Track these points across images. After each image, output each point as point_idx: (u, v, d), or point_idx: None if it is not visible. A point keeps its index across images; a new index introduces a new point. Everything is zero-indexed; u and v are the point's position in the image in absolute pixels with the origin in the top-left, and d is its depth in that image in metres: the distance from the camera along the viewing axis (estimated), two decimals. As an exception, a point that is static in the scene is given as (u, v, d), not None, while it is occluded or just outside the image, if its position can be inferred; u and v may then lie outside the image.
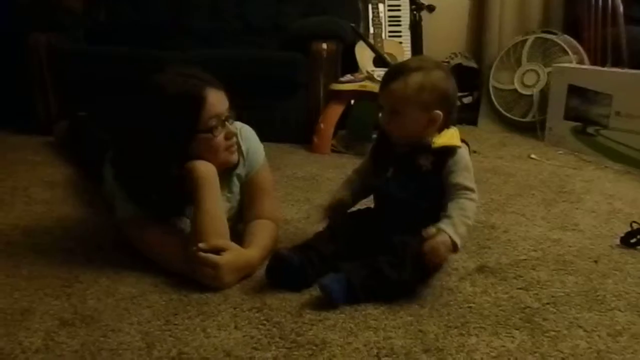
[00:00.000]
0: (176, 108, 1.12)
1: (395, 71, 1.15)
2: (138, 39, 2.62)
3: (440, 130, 1.15)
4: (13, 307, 1.04)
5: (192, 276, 1.11)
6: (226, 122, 1.19)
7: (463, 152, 1.15)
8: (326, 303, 1.03)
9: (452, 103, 1.17)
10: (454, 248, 1.06)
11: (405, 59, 1.23)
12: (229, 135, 1.20)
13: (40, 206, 1.61)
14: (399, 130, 1.15)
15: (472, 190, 1.12)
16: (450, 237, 1.05)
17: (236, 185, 1.31)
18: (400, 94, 1.12)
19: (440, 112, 1.12)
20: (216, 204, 1.17)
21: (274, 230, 1.28)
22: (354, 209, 1.27)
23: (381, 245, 1.12)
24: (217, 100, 1.15)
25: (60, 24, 2.57)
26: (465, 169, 1.13)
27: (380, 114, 1.18)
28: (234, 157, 1.24)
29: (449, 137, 1.16)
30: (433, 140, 1.14)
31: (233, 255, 1.12)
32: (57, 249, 1.31)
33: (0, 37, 2.61)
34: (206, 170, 1.17)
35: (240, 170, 1.29)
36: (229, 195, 1.30)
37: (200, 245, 1.10)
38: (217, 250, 1.11)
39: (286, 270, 1.09)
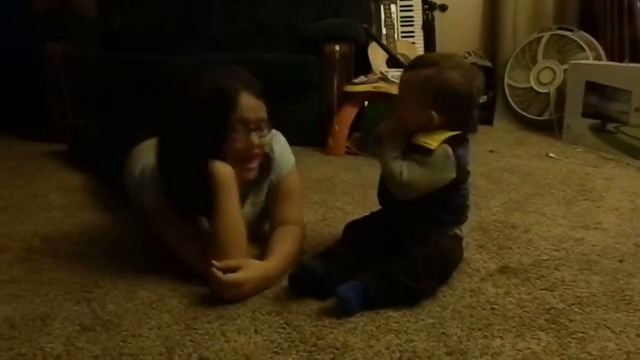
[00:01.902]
0: (206, 106, 1.11)
1: (415, 62, 1.14)
2: (152, 45, 2.65)
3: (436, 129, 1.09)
4: (34, 312, 1.05)
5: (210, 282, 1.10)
6: (253, 132, 1.14)
7: (437, 158, 1.06)
8: (342, 312, 1.01)
9: (459, 105, 1.08)
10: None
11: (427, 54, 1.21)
12: (250, 146, 1.14)
13: (58, 212, 1.62)
14: (402, 120, 1.11)
15: (406, 174, 1.05)
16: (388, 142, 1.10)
17: (264, 192, 1.29)
18: (406, 83, 1.11)
19: (437, 113, 1.07)
20: (233, 211, 1.13)
21: (297, 236, 1.25)
22: (366, 214, 1.26)
23: (394, 246, 1.11)
24: (246, 105, 1.13)
25: (75, 33, 2.60)
26: (426, 168, 1.06)
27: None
28: (251, 174, 1.19)
29: (429, 136, 1.08)
30: (415, 136, 1.09)
31: (251, 272, 1.08)
32: (76, 255, 1.31)
33: (17, 46, 2.66)
34: (224, 173, 1.13)
35: (271, 175, 1.28)
36: (255, 200, 1.28)
37: (216, 263, 1.06)
38: (234, 268, 1.07)
39: (310, 279, 1.07)
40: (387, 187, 1.13)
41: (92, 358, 0.90)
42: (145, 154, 1.43)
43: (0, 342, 0.95)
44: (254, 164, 1.19)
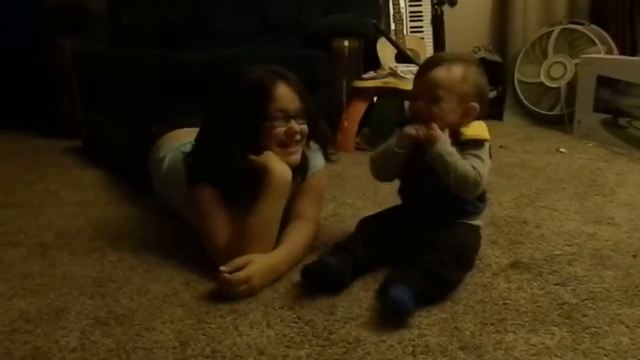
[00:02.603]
0: (246, 95, 1.18)
1: (435, 61, 1.15)
2: (161, 41, 2.66)
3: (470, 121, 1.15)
4: (49, 307, 1.06)
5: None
6: (292, 120, 1.19)
7: (488, 146, 1.14)
8: (399, 315, 0.97)
9: (486, 99, 1.17)
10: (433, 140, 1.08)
11: (438, 53, 1.21)
12: (290, 131, 1.19)
13: (71, 208, 1.64)
14: (437, 119, 1.11)
15: (479, 171, 1.08)
16: (443, 144, 1.07)
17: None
18: (444, 81, 1.11)
19: (477, 105, 1.12)
20: (276, 213, 1.18)
21: (309, 232, 1.25)
22: (377, 209, 1.27)
23: (412, 241, 1.11)
24: (285, 96, 1.18)
25: (85, 29, 2.61)
26: (485, 161, 1.11)
27: (408, 106, 1.17)
28: (294, 157, 1.22)
29: (478, 129, 1.14)
30: (461, 132, 1.12)
31: (257, 265, 1.10)
32: (89, 250, 1.32)
33: (27, 43, 2.68)
34: (282, 176, 1.17)
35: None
36: None
37: (223, 269, 1.07)
38: (241, 267, 1.09)
39: (325, 274, 1.07)
40: (415, 184, 1.16)
41: (106, 351, 0.91)
42: (171, 145, 1.50)
43: (16, 335, 0.96)
44: (296, 149, 1.23)
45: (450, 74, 1.11)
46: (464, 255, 1.10)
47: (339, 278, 1.07)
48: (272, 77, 1.19)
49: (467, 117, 1.14)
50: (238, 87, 1.22)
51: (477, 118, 1.15)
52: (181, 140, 1.51)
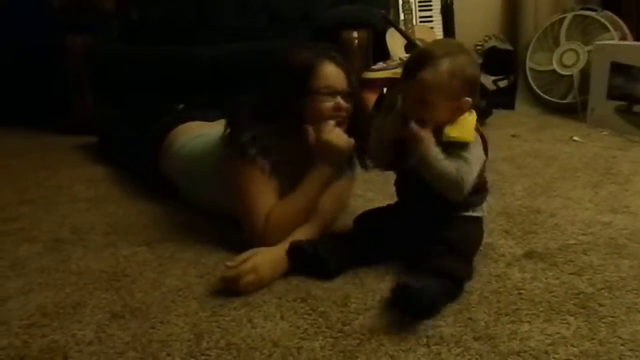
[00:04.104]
0: (294, 71, 1.22)
1: (421, 59, 1.06)
2: (169, 37, 2.66)
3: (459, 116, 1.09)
4: (65, 301, 1.07)
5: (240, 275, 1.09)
6: (339, 97, 1.22)
7: (473, 147, 1.07)
8: (424, 310, 0.94)
9: (478, 88, 1.12)
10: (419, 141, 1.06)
11: (426, 44, 1.16)
12: (337, 106, 1.21)
13: (84, 203, 1.65)
14: (428, 121, 1.07)
15: (462, 175, 1.03)
16: (426, 147, 1.05)
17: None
18: (431, 84, 1.04)
19: (470, 99, 1.07)
20: (311, 203, 1.22)
21: (317, 226, 1.24)
22: (387, 201, 1.25)
23: (412, 236, 1.11)
24: (330, 73, 1.22)
25: (94, 25, 2.62)
26: (470, 162, 1.05)
27: (401, 104, 1.11)
28: None
29: (463, 128, 1.08)
30: (445, 132, 1.07)
31: (261, 255, 1.10)
32: (103, 244, 1.34)
33: (38, 40, 2.69)
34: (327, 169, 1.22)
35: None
36: None
37: (228, 264, 1.08)
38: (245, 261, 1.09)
39: (301, 258, 1.10)
40: (409, 178, 1.13)
41: (122, 344, 0.92)
42: (187, 137, 1.54)
43: (34, 329, 0.98)
44: (340, 127, 1.23)
45: (438, 74, 1.04)
46: (471, 250, 1.09)
47: (319, 263, 1.09)
48: (320, 55, 1.23)
49: (461, 111, 1.08)
50: (287, 64, 1.25)
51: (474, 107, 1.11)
52: (194, 132, 1.53)
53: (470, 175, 1.05)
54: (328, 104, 1.21)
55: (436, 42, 1.28)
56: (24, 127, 2.79)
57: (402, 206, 1.19)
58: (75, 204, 1.66)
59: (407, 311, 0.95)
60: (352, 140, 1.22)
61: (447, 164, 1.04)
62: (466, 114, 1.09)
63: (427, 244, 1.06)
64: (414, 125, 1.06)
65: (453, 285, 1.00)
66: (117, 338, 0.94)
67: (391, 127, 1.13)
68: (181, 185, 1.55)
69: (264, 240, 1.16)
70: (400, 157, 1.15)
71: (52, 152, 2.31)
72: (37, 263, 1.25)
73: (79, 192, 1.77)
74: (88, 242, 1.36)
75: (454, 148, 1.06)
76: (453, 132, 1.07)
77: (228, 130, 1.27)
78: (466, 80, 1.07)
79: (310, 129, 1.21)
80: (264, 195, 1.21)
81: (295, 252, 1.12)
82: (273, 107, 1.23)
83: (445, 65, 1.05)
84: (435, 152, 1.05)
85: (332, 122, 1.21)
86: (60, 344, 0.93)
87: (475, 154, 1.08)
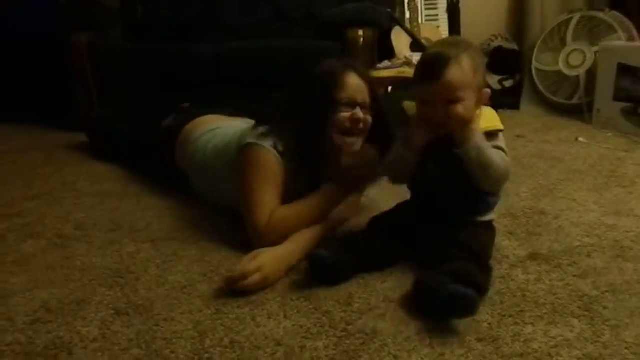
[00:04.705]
0: (319, 81, 1.26)
1: (441, 60, 1.05)
2: (173, 33, 2.66)
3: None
4: (69, 297, 1.08)
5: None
6: (358, 108, 1.24)
7: (502, 136, 1.12)
8: (462, 310, 0.93)
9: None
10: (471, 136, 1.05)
11: (432, 48, 1.15)
12: (354, 117, 1.23)
13: (88, 200, 1.66)
14: (462, 119, 1.06)
15: (509, 162, 1.07)
16: (481, 139, 1.05)
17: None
18: (460, 81, 1.04)
19: (488, 89, 1.10)
20: (318, 216, 1.23)
21: (320, 228, 1.24)
22: (394, 199, 1.25)
23: (428, 241, 1.10)
24: (353, 85, 1.24)
25: (99, 23, 2.63)
26: (506, 151, 1.10)
27: (416, 107, 1.10)
28: (355, 146, 1.26)
29: (491, 119, 1.11)
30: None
31: (265, 255, 1.10)
32: (107, 241, 1.34)
33: (43, 38, 2.70)
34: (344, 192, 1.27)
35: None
36: None
37: (233, 269, 1.08)
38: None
39: (320, 269, 1.08)
40: (427, 180, 1.13)
41: (127, 341, 0.93)
42: (199, 133, 1.55)
43: (39, 325, 0.98)
44: (357, 139, 1.26)
45: (464, 72, 1.05)
46: (488, 258, 1.10)
47: (337, 273, 1.08)
48: (344, 67, 1.26)
49: (480, 105, 1.10)
50: (314, 74, 1.28)
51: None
52: (212, 124, 1.53)
53: (510, 165, 1.07)
54: (346, 114, 1.23)
55: (441, 42, 1.27)
56: (28, 125, 2.80)
57: (419, 209, 1.18)
58: (79, 200, 1.66)
59: (440, 312, 0.93)
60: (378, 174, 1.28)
61: (495, 154, 1.06)
62: (486, 108, 1.12)
63: (444, 248, 1.05)
64: (459, 113, 1.04)
65: (477, 294, 0.95)
66: (122, 335, 0.95)
67: (418, 136, 1.10)
68: (194, 177, 1.55)
69: (262, 237, 1.16)
70: (420, 166, 1.15)
71: (57, 149, 2.31)
72: (42, 259, 1.25)
73: (83, 188, 1.77)
74: (92, 238, 1.36)
75: (487, 139, 1.07)
76: (483, 122, 1.09)
77: (254, 124, 1.30)
78: (482, 71, 1.10)
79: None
80: (270, 194, 1.21)
81: (317, 264, 1.08)
82: (297, 114, 1.26)
83: (466, 61, 1.06)
84: (487, 143, 1.06)
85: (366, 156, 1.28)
86: (65, 341, 0.93)
87: (504, 144, 1.10)
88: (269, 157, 1.23)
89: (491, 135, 1.09)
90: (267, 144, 1.23)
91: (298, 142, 1.24)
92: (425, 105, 1.08)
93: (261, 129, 1.26)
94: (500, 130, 1.11)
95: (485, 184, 1.07)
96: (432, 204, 1.15)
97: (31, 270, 1.20)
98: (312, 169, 1.27)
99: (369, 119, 1.26)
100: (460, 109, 1.05)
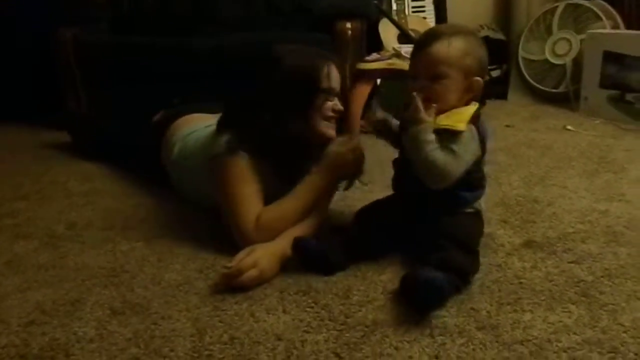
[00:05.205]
0: (306, 72, 1.23)
1: (435, 34, 1.06)
2: (162, 27, 2.62)
3: (469, 102, 1.09)
4: (64, 298, 1.06)
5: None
6: (335, 98, 1.28)
7: (465, 141, 1.03)
8: (433, 296, 0.94)
9: (486, 71, 1.11)
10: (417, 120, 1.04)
11: (435, 26, 1.15)
12: (337, 108, 1.27)
13: (79, 199, 1.63)
14: (439, 99, 1.05)
15: (448, 168, 1.01)
16: (424, 129, 1.02)
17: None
18: (445, 56, 1.03)
19: (481, 79, 1.06)
20: (305, 210, 1.22)
21: (314, 220, 1.23)
22: (385, 192, 1.25)
23: (413, 232, 1.11)
24: (335, 75, 1.26)
25: (85, 17, 2.58)
26: (459, 155, 1.02)
27: (409, 84, 1.08)
28: (333, 132, 1.29)
29: (456, 117, 1.04)
30: (436, 119, 1.04)
31: (260, 250, 1.10)
32: (100, 240, 1.32)
33: (29, 34, 2.64)
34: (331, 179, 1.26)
35: None
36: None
37: (228, 265, 1.07)
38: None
39: (306, 254, 1.09)
40: (407, 174, 1.10)
41: (124, 341, 0.92)
42: (181, 132, 1.52)
43: (33, 327, 0.97)
44: (335, 125, 1.30)
45: (451, 48, 1.03)
46: (472, 243, 1.08)
47: (322, 261, 1.09)
48: (326, 58, 1.27)
49: (470, 93, 1.07)
50: (298, 64, 1.24)
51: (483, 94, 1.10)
52: (191, 126, 1.51)
53: (455, 170, 1.02)
54: (330, 104, 1.27)
55: (444, 24, 1.27)
56: (16, 123, 2.75)
57: (401, 202, 1.18)
58: (70, 199, 1.64)
59: (415, 301, 0.94)
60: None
61: (436, 152, 1.01)
62: (470, 106, 1.08)
63: (429, 238, 1.06)
64: (417, 101, 1.03)
65: (459, 278, 0.99)
66: (119, 334, 0.93)
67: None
68: (176, 177, 1.54)
69: (254, 244, 1.13)
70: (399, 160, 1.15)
71: (46, 148, 2.27)
72: (34, 260, 1.23)
73: (73, 187, 1.75)
74: (85, 237, 1.34)
75: (444, 138, 1.03)
76: (445, 120, 1.04)
77: (216, 128, 1.27)
78: (477, 59, 1.06)
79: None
80: (251, 200, 1.19)
81: (300, 249, 1.10)
82: (277, 104, 1.22)
83: (457, 41, 1.05)
84: (429, 136, 1.02)
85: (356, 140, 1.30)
86: (61, 342, 0.92)
87: (467, 149, 1.03)
88: (240, 164, 1.19)
89: (451, 135, 1.02)
90: (235, 150, 1.20)
91: (272, 135, 1.21)
92: (413, 81, 1.08)
93: (226, 136, 1.22)
94: (460, 132, 1.02)
95: (421, 179, 1.04)
96: (413, 195, 1.14)
97: (23, 271, 1.18)
98: (290, 159, 1.25)
99: (342, 108, 1.31)
100: (438, 87, 1.04)
